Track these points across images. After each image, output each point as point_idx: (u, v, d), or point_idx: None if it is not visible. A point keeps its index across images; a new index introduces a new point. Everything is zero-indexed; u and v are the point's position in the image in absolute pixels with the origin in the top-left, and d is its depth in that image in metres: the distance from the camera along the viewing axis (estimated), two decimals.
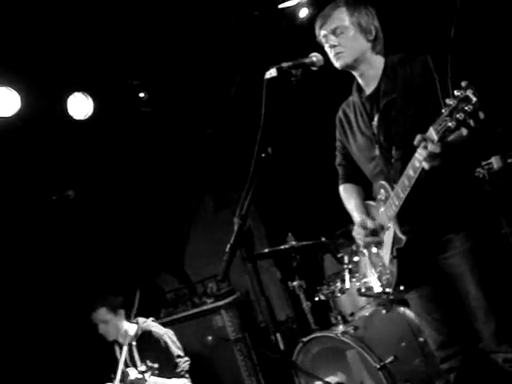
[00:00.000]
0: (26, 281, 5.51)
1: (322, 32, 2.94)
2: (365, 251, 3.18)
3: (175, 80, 5.65)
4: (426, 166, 2.44)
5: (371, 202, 3.07)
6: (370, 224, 2.96)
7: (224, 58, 5.45)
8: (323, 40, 2.95)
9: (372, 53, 2.94)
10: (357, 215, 3.11)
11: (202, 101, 6.04)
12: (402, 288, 3.00)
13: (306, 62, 2.77)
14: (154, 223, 6.50)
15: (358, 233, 3.04)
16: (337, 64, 2.92)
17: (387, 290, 2.98)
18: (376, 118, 2.92)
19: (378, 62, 2.95)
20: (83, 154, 5.57)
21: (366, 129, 2.98)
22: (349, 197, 3.25)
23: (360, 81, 3.02)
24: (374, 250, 3.05)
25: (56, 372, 5.43)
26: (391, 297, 4.11)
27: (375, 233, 2.97)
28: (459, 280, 2.78)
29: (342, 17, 2.90)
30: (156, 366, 4.40)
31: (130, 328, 4.82)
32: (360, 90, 3.04)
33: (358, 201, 3.19)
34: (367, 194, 3.19)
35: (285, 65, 2.67)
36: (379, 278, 3.05)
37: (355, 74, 3.01)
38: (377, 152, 2.92)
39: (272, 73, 2.63)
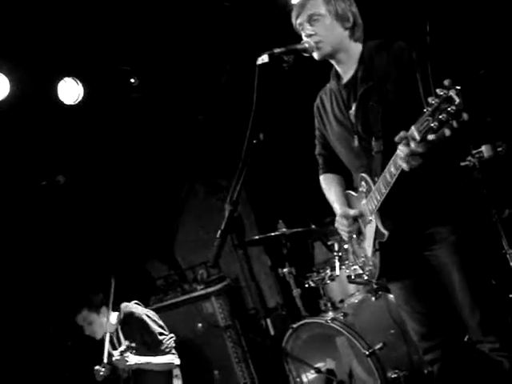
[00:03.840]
0: (13, 270, 5.49)
1: (298, 21, 2.86)
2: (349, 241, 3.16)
3: (166, 66, 5.61)
4: (405, 166, 2.40)
5: (352, 192, 3.03)
6: (352, 213, 2.95)
7: (215, 43, 5.42)
8: (299, 29, 2.87)
9: (350, 40, 2.86)
10: (338, 206, 3.08)
11: (193, 87, 6.02)
12: (383, 280, 3.02)
13: (298, 48, 2.76)
14: (144, 210, 6.49)
15: (340, 223, 3.01)
16: (315, 55, 2.84)
17: (370, 280, 3.00)
18: (353, 107, 2.85)
19: (357, 49, 2.88)
20: (73, 140, 5.54)
21: (343, 118, 2.92)
22: (329, 187, 3.20)
23: (338, 68, 2.94)
24: (357, 240, 3.04)
25: (46, 359, 5.44)
26: (374, 286, 4.18)
27: (357, 222, 2.96)
28: (445, 272, 2.77)
29: (318, 4, 2.82)
30: (133, 345, 4.50)
31: (113, 317, 4.86)
32: (338, 77, 2.97)
33: (338, 191, 3.14)
34: (348, 182, 3.14)
35: (277, 51, 2.65)
36: (362, 269, 3.05)
37: (333, 62, 2.93)
38: (356, 143, 2.86)
39: (264, 59, 2.61)
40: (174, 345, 4.80)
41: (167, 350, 4.73)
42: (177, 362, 4.78)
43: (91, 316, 4.76)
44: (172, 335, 4.83)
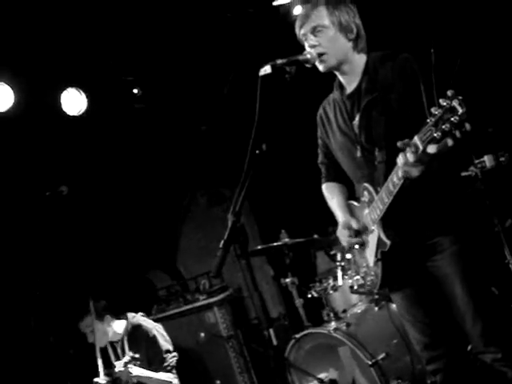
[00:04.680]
0: (18, 278, 5.49)
1: (302, 31, 2.87)
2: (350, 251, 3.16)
3: (169, 76, 5.64)
4: (406, 175, 2.42)
5: (354, 203, 3.03)
6: (354, 224, 2.93)
7: (218, 54, 5.45)
8: (303, 39, 2.88)
9: (354, 52, 2.87)
10: (340, 215, 3.07)
11: (196, 97, 6.04)
12: (386, 290, 3.02)
13: (300, 59, 2.77)
14: (146, 220, 6.50)
15: (342, 234, 3.01)
16: (320, 67, 2.86)
17: (371, 290, 2.99)
18: (357, 118, 2.87)
19: (360, 60, 2.89)
20: (76, 150, 5.56)
21: (347, 128, 2.92)
22: (332, 196, 3.20)
23: (341, 79, 2.95)
24: (359, 250, 3.03)
25: (48, 368, 5.43)
26: (376, 296, 4.17)
27: (359, 233, 2.94)
28: (447, 283, 2.77)
29: (322, 16, 2.82)
30: (138, 356, 4.45)
31: (119, 325, 4.83)
32: (341, 87, 2.98)
33: (341, 200, 3.13)
34: (351, 192, 3.13)
35: (279, 62, 2.66)
36: (363, 279, 3.04)
37: (336, 73, 2.95)
38: (359, 153, 2.87)
39: (266, 70, 2.62)
40: (175, 364, 4.74)
41: (168, 368, 4.68)
42: (175, 382, 4.69)
43: (95, 323, 4.73)
44: (175, 354, 4.77)
